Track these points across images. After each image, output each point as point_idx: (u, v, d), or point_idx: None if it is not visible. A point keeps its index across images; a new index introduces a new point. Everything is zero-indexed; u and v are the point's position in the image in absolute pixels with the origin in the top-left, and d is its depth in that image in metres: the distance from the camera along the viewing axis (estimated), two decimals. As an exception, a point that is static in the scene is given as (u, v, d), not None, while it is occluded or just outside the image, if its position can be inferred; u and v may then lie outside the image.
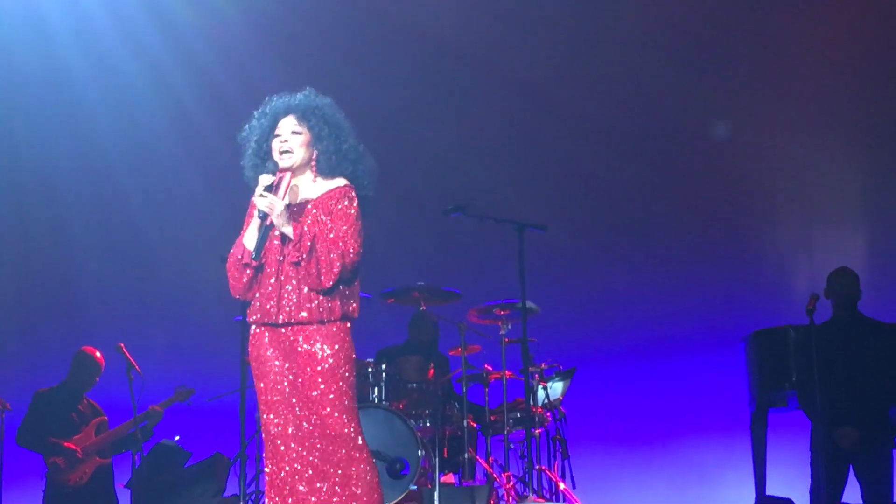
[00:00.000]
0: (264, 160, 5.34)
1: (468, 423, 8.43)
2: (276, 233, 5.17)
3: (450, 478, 8.54)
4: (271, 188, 5.17)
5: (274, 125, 5.32)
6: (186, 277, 10.73)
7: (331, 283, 5.08)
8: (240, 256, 5.19)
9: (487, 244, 10.06)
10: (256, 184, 5.23)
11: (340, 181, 5.28)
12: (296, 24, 10.45)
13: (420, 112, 10.77)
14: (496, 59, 10.74)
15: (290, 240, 5.11)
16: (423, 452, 7.92)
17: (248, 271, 5.18)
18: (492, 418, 8.68)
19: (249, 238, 5.19)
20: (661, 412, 10.84)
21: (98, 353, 9.19)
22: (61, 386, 9.10)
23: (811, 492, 7.55)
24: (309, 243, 5.07)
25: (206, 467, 8.65)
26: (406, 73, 10.79)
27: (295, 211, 5.21)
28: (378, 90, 10.57)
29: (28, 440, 8.87)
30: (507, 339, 8.71)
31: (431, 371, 8.64)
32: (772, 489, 7.82)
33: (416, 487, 7.88)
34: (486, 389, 8.76)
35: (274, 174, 5.22)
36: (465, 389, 8.52)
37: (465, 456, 8.37)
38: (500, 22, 10.68)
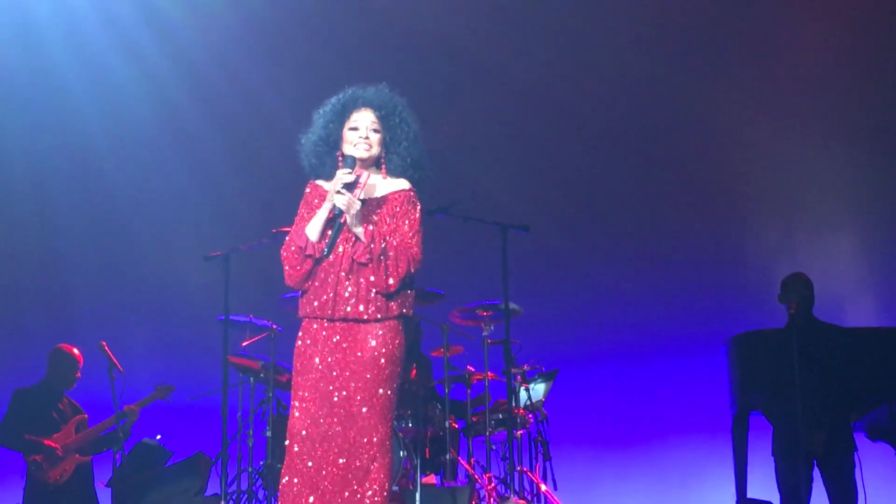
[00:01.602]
0: (331, 149, 5.31)
1: (450, 424, 8.43)
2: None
3: (431, 479, 8.54)
4: (351, 186, 5.14)
5: (346, 115, 5.31)
6: (172, 275, 10.72)
7: (398, 285, 5.13)
8: (302, 246, 5.14)
9: (471, 244, 10.06)
10: (307, 168, 5.28)
11: (405, 183, 5.31)
12: (285, 21, 10.43)
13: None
14: (484, 57, 10.75)
15: (360, 239, 5.11)
16: (405, 453, 7.92)
17: (308, 262, 5.15)
18: (473, 419, 8.69)
19: (314, 229, 5.15)
20: (643, 414, 10.86)
21: (76, 350, 9.14)
22: (41, 384, 9.05)
23: (781, 499, 7.59)
24: (382, 245, 5.10)
25: (187, 466, 8.64)
26: (393, 71, 10.70)
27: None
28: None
29: (8, 439, 8.83)
30: (489, 341, 8.72)
31: (414, 372, 8.64)
32: (752, 492, 7.84)
33: (397, 488, 7.88)
34: (469, 391, 8.77)
35: (351, 169, 5.18)
36: (447, 390, 8.52)
37: (447, 457, 8.37)
38: (489, 19, 10.69)
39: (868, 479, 7.59)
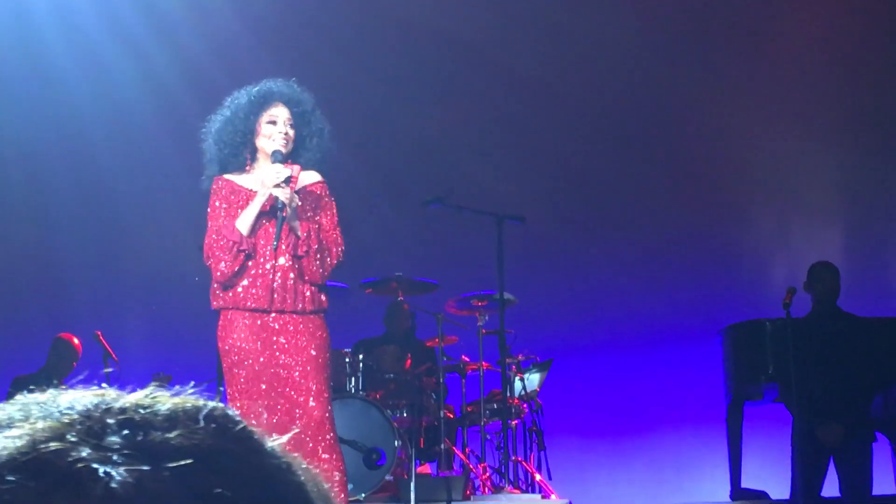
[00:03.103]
0: (246, 143, 5.32)
1: (445, 414, 8.45)
2: (262, 220, 5.19)
3: (426, 468, 8.55)
4: (287, 180, 5.17)
5: (264, 108, 5.31)
6: (167, 267, 10.71)
7: (327, 275, 5.22)
8: (236, 241, 5.14)
9: (467, 234, 10.07)
10: (216, 158, 5.31)
11: (316, 175, 5.36)
12: (282, 12, 10.42)
13: (402, 100, 10.77)
14: (481, 48, 10.74)
15: (295, 233, 5.13)
16: (400, 443, 7.93)
17: (241, 256, 5.16)
18: (468, 409, 8.71)
19: (245, 224, 5.16)
20: (638, 404, 10.88)
21: (76, 340, 9.20)
22: (40, 372, 9.11)
23: (792, 486, 7.57)
24: (317, 238, 5.15)
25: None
26: (390, 61, 10.77)
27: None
28: (360, 78, 10.56)
29: None
30: (484, 331, 8.73)
31: (409, 362, 8.65)
32: (747, 481, 7.86)
33: (392, 478, 7.89)
34: (464, 380, 8.78)
35: (282, 163, 5.21)
36: (442, 380, 8.53)
37: (442, 446, 8.38)
38: (486, 10, 10.68)
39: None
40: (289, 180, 5.16)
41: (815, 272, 7.79)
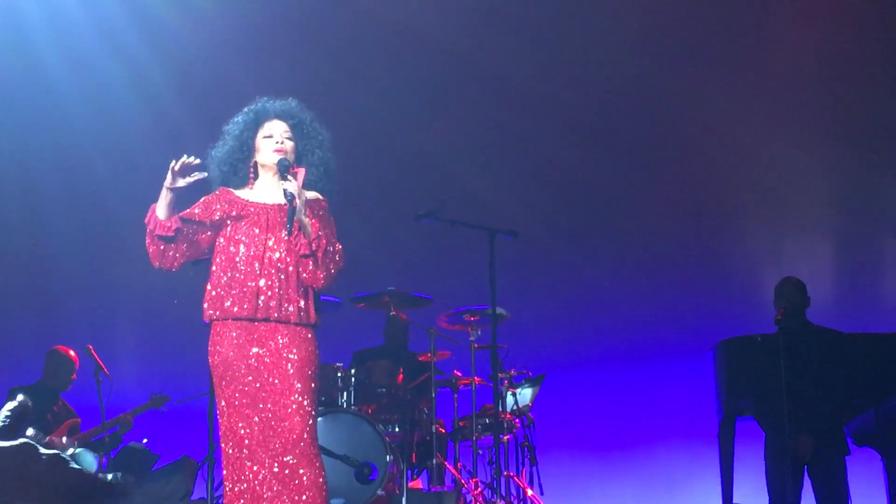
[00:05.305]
0: (245, 158, 5.38)
1: (437, 429, 8.43)
2: (255, 228, 5.21)
3: (418, 483, 8.54)
4: (292, 175, 5.21)
5: (259, 125, 5.38)
6: (160, 279, 10.66)
7: (327, 282, 5.19)
8: (147, 221, 5.41)
9: (459, 249, 10.07)
10: (218, 178, 5.42)
11: (317, 195, 5.36)
12: (277, 23, 10.42)
13: (394, 113, 10.78)
14: (476, 59, 10.75)
15: (304, 229, 5.14)
16: (392, 457, 7.92)
17: (157, 241, 5.44)
18: (460, 424, 8.70)
19: (160, 206, 5.48)
20: (630, 419, 10.87)
21: (72, 352, 9.19)
22: (37, 385, 9.08)
23: (770, 502, 7.60)
24: (326, 240, 5.15)
25: (173, 470, 8.62)
26: (384, 73, 10.78)
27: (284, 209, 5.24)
28: (353, 90, 10.55)
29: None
30: (476, 345, 8.72)
31: (400, 377, 8.64)
32: (739, 497, 7.85)
33: (383, 493, 7.87)
34: (456, 395, 8.77)
35: (286, 168, 5.26)
36: (434, 395, 8.52)
37: (434, 461, 8.37)
38: (482, 21, 10.68)
39: (853, 484, 7.60)
40: (293, 175, 5.20)
41: (777, 289, 7.84)
